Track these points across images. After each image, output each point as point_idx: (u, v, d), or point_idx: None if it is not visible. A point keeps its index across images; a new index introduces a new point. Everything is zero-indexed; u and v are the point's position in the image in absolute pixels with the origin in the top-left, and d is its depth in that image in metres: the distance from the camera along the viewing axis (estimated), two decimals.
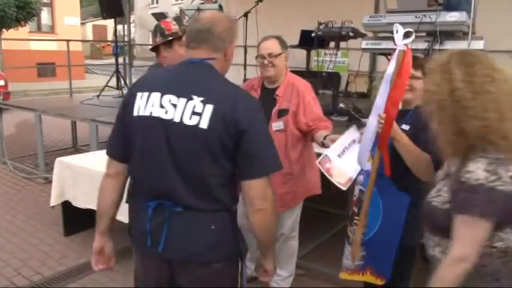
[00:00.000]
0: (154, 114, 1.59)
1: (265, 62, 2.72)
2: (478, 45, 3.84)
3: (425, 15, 3.86)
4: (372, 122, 2.01)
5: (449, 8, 4.00)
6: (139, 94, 1.65)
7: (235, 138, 1.56)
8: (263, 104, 1.98)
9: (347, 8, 5.18)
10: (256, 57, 2.80)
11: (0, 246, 3.94)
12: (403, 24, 4.01)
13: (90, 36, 32.30)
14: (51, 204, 3.96)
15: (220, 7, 5.79)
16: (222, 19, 1.71)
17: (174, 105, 1.58)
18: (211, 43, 1.65)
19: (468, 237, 1.40)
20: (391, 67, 1.95)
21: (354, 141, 2.18)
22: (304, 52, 6.57)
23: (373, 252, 2.25)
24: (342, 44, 4.64)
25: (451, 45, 3.95)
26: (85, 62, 18.82)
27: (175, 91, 1.60)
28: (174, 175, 1.57)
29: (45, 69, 17.25)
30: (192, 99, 1.56)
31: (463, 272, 1.40)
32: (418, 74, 2.10)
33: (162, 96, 1.60)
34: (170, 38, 2.39)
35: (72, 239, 4.00)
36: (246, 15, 5.48)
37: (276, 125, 2.74)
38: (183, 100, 1.57)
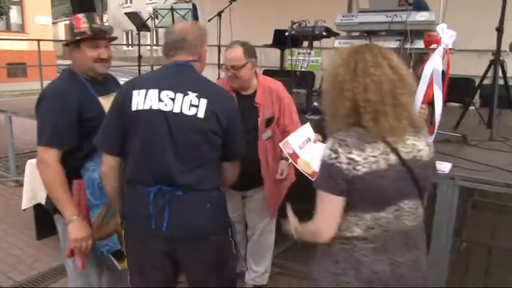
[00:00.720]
0: (154, 107, 1.81)
1: (229, 74, 2.69)
2: (447, 44, 3.93)
3: (396, 15, 3.93)
4: None
5: (418, 8, 4.09)
6: (135, 92, 1.84)
7: (224, 128, 1.86)
8: (243, 112, 2.15)
9: (320, 8, 5.22)
10: (222, 65, 2.82)
11: None
12: (374, 23, 4.15)
13: (62, 35, 31.62)
14: (23, 207, 3.86)
15: (194, 6, 5.76)
16: (192, 28, 1.99)
17: (172, 99, 1.81)
18: (187, 49, 1.93)
19: (320, 210, 1.53)
20: (429, 67, 2.06)
21: (309, 139, 2.16)
22: (278, 51, 6.61)
23: None
24: (315, 43, 4.67)
25: (421, 44, 4.03)
26: (57, 62, 18.45)
27: (171, 87, 1.83)
28: (174, 161, 1.78)
29: (16, 69, 16.87)
30: (187, 94, 1.82)
31: (317, 240, 1.58)
32: None
33: (160, 92, 1.82)
34: (78, 38, 2.09)
35: (45, 243, 3.93)
36: (219, 14, 5.47)
37: (265, 135, 2.76)
38: (180, 95, 1.82)
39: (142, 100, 1.82)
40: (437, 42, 2.04)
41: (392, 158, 1.48)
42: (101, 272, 2.46)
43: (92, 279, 2.35)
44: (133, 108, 1.83)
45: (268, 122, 2.77)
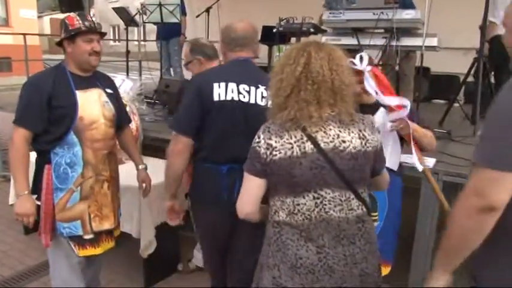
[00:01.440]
0: (235, 99, 2.11)
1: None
2: (432, 42, 4.01)
3: (382, 12, 4.00)
4: (388, 134, 2.22)
5: (404, 6, 4.16)
6: (215, 84, 2.10)
7: None
8: None
9: (308, 4, 5.26)
10: None
11: None
12: (361, 20, 4.20)
13: (47, 29, 31.23)
14: (10, 203, 3.86)
15: (182, 2, 5.75)
16: (253, 28, 2.27)
17: (248, 92, 2.13)
18: (250, 47, 2.23)
19: (242, 189, 1.71)
20: (370, 88, 2.19)
21: None
22: (266, 48, 6.62)
23: (381, 242, 2.31)
24: (303, 40, 4.73)
25: (407, 42, 4.11)
26: (43, 57, 18.24)
27: (245, 81, 2.13)
28: (244, 144, 1.83)
29: (0, 63, 16.63)
30: (258, 87, 2.13)
31: (239, 216, 1.73)
32: None
33: (238, 85, 2.12)
34: (73, 33, 2.27)
35: (33, 237, 3.88)
36: (207, 10, 5.49)
37: None
38: (253, 88, 2.13)
39: (223, 92, 2.10)
40: (360, 73, 2.17)
41: (309, 146, 1.54)
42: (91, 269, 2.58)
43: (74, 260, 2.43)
44: (215, 98, 2.10)
45: None
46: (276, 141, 1.56)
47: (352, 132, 1.57)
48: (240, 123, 2.12)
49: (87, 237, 2.40)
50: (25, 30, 10.21)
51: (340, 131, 1.56)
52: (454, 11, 5.29)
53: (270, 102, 1.68)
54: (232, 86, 2.12)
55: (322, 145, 1.54)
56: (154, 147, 3.74)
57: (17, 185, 2.26)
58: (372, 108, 2.34)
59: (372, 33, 4.19)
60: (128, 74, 5.88)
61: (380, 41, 4.12)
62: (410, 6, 4.41)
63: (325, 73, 1.54)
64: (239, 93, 2.12)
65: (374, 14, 4.03)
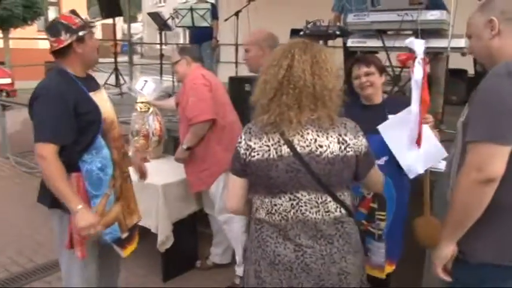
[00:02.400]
0: None
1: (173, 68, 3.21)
2: (459, 43, 3.93)
3: (407, 14, 3.95)
4: (412, 127, 2.14)
5: (436, 6, 4.09)
6: None
7: None
8: None
9: None
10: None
11: None
12: (386, 22, 4.17)
13: (99, 35, 32.52)
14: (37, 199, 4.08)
15: (213, 6, 5.90)
16: None
17: None
18: None
19: (229, 189, 1.78)
20: (418, 74, 2.08)
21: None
22: None
23: (390, 241, 2.33)
24: (329, 42, 4.75)
25: (433, 43, 4.04)
26: None
27: None
28: None
29: (52, 68, 17.46)
30: None
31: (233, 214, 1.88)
32: (373, 69, 2.28)
33: None
34: (82, 33, 2.16)
35: None
36: (237, 14, 5.61)
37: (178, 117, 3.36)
38: None
39: None
40: (411, 57, 2.11)
41: (285, 149, 1.57)
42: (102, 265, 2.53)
43: (90, 273, 2.40)
44: None
45: (177, 106, 3.29)
46: (254, 143, 1.61)
47: (331, 136, 1.57)
48: None
49: (124, 236, 2.37)
50: None
51: (318, 136, 1.57)
52: None
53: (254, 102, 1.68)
54: None
55: (298, 149, 1.56)
56: (176, 147, 3.87)
57: (68, 202, 2.09)
58: (378, 107, 2.36)
59: (396, 34, 4.15)
60: (161, 76, 6.10)
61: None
62: (442, 6, 4.33)
63: (307, 78, 1.55)
64: None
65: (398, 15, 4.00)
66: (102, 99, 2.31)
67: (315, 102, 1.57)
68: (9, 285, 3.31)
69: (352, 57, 4.54)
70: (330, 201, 1.62)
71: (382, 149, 2.21)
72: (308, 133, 1.57)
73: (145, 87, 3.61)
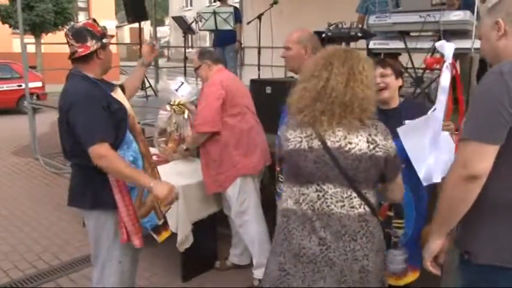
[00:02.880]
0: None
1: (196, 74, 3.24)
2: None
3: (429, 15, 3.91)
4: (435, 131, 2.12)
5: (468, 6, 4.04)
6: None
7: None
8: None
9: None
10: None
11: (26, 233, 4.27)
12: (407, 23, 4.13)
13: (126, 39, 33.21)
14: (68, 203, 4.20)
15: (236, 10, 5.96)
16: None
17: None
18: None
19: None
20: (445, 79, 2.08)
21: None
22: None
23: (412, 248, 2.28)
24: (352, 44, 4.73)
25: (456, 44, 3.97)
26: (120, 64, 19.46)
27: None
28: None
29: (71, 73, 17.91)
30: None
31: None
32: (388, 71, 2.27)
33: None
34: (106, 40, 2.28)
35: None
36: (259, 17, 5.65)
37: None
38: None
39: None
40: (439, 61, 2.09)
41: (316, 142, 1.68)
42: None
43: (126, 267, 2.51)
44: None
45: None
46: (290, 134, 1.74)
47: (361, 135, 1.66)
48: None
49: (160, 222, 2.50)
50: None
51: (348, 134, 1.66)
52: None
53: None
54: None
55: (328, 143, 1.66)
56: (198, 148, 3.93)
57: (143, 182, 2.22)
58: (395, 111, 2.33)
59: (419, 36, 4.11)
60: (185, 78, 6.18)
61: (428, 44, 4.03)
62: (473, 6, 4.28)
63: (341, 90, 1.66)
64: None
65: (420, 16, 3.96)
66: (121, 97, 2.41)
67: (345, 109, 1.66)
68: (36, 281, 3.42)
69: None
70: (355, 197, 1.69)
71: (399, 154, 2.18)
72: (339, 130, 1.67)
73: (181, 88, 3.51)
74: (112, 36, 2.38)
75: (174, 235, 3.19)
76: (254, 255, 3.27)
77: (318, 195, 1.69)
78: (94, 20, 2.34)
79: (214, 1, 19.79)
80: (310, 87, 1.71)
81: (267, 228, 3.26)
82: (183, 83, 3.59)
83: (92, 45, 2.25)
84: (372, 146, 1.65)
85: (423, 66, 4.20)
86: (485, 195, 1.46)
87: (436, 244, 1.62)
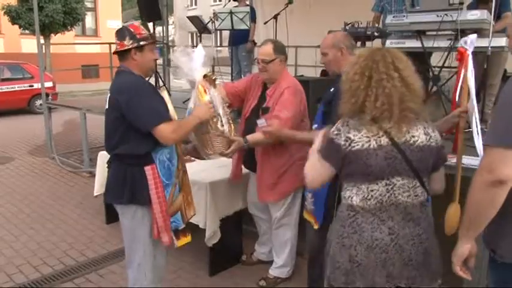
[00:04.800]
0: None
1: (259, 66, 2.99)
2: (500, 42, 3.92)
3: (446, 14, 3.97)
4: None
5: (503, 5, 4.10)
6: None
7: None
8: (259, 101, 2.86)
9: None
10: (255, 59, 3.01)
11: (51, 231, 4.36)
12: (425, 23, 4.18)
13: None
14: (95, 194, 4.30)
15: (252, 9, 6.02)
16: None
17: None
18: None
19: (314, 169, 1.90)
20: (471, 71, 2.13)
21: None
22: None
23: None
24: (368, 44, 4.80)
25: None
26: None
27: None
28: None
29: (89, 70, 18.08)
30: None
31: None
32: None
33: None
34: (143, 43, 2.38)
35: (113, 227, 4.33)
36: (275, 17, 5.71)
37: (260, 122, 2.93)
38: None
39: None
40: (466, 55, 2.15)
41: (384, 140, 1.76)
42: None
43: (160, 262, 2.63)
44: None
45: (264, 110, 3.01)
46: (354, 135, 1.77)
47: (419, 128, 1.79)
48: None
49: (182, 227, 2.54)
50: (111, 40, 11.08)
51: (410, 128, 1.78)
52: None
53: (343, 106, 1.85)
54: None
55: (396, 139, 1.76)
56: None
57: (195, 122, 2.45)
58: None
59: (436, 35, 4.17)
60: None
61: (445, 43, 4.09)
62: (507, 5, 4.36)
63: (394, 87, 1.75)
64: None
65: (438, 16, 4.02)
66: (166, 98, 2.52)
67: (401, 105, 1.74)
68: (66, 277, 3.50)
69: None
70: (418, 186, 1.82)
71: None
72: (402, 126, 1.76)
73: (196, 54, 2.62)
74: (155, 42, 2.48)
75: (201, 231, 3.28)
76: (281, 256, 3.33)
77: (387, 189, 1.79)
78: (143, 24, 2.49)
79: (220, 0, 19.85)
80: (361, 88, 1.77)
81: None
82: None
83: (127, 44, 2.39)
84: (428, 137, 1.79)
85: (439, 64, 4.28)
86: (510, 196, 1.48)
87: (464, 248, 1.64)
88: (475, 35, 2.16)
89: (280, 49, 3.01)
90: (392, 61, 1.77)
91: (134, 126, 2.33)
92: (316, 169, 1.90)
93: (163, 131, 2.30)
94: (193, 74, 2.56)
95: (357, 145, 1.76)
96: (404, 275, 1.81)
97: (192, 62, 2.54)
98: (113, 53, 2.51)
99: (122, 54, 2.43)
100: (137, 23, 2.48)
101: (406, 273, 1.81)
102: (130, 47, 2.38)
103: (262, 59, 2.97)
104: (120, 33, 2.41)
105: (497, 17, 4.20)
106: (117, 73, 2.49)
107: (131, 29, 2.40)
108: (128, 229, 2.53)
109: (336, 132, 1.81)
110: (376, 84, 1.75)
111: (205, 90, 2.55)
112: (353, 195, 1.82)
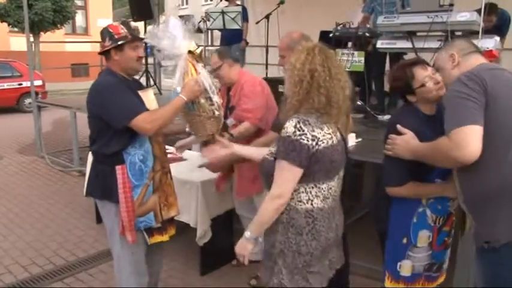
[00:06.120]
0: None
1: (214, 74, 3.02)
2: (489, 43, 3.96)
3: (437, 15, 4.01)
4: None
5: None
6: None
7: None
8: (227, 103, 2.89)
9: None
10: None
11: (40, 230, 4.33)
12: (415, 24, 4.22)
13: None
14: (85, 193, 4.25)
15: (244, 9, 6.02)
16: None
17: None
18: None
19: (281, 178, 1.77)
20: None
21: None
22: None
23: None
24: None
25: None
26: None
27: None
28: None
29: (79, 69, 17.95)
30: None
31: (280, 207, 1.79)
32: (432, 70, 2.12)
33: None
34: (120, 42, 2.36)
35: (103, 226, 4.20)
36: (267, 17, 5.72)
37: (229, 121, 3.03)
38: None
39: None
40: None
41: (338, 135, 1.87)
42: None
43: (139, 257, 2.58)
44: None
45: (231, 109, 3.11)
46: (318, 133, 1.77)
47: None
48: None
49: (156, 225, 2.54)
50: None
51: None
52: None
53: (297, 98, 1.84)
54: None
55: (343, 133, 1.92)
56: None
57: (181, 103, 2.32)
58: (432, 118, 2.12)
59: (426, 36, 4.20)
60: None
61: (434, 44, 4.13)
62: None
63: (332, 83, 1.83)
64: None
65: (428, 17, 4.06)
66: (148, 98, 2.50)
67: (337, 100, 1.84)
68: (56, 277, 3.48)
69: (396, 60, 4.61)
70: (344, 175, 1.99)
71: None
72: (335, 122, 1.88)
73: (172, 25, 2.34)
74: (135, 39, 2.40)
75: (192, 230, 3.28)
76: None
77: (338, 183, 1.90)
78: (123, 23, 2.45)
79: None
80: (300, 79, 1.79)
81: None
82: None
83: (108, 44, 2.39)
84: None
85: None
86: (490, 185, 1.69)
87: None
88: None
89: (224, 54, 3.12)
90: (326, 57, 1.81)
91: (111, 125, 2.34)
92: (289, 180, 1.77)
93: (140, 122, 2.29)
94: (177, 52, 2.33)
95: (323, 143, 1.77)
96: (340, 260, 1.99)
97: (173, 41, 2.30)
98: (98, 54, 2.52)
99: (106, 55, 2.44)
100: (117, 23, 2.45)
101: (339, 258, 1.99)
102: (109, 47, 2.39)
103: (212, 68, 3.05)
104: (102, 35, 2.43)
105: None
106: (98, 75, 2.53)
107: (110, 30, 2.40)
108: (106, 224, 2.62)
109: (299, 132, 1.74)
110: (336, 77, 1.81)
111: (194, 68, 2.39)
112: (313, 197, 1.81)
